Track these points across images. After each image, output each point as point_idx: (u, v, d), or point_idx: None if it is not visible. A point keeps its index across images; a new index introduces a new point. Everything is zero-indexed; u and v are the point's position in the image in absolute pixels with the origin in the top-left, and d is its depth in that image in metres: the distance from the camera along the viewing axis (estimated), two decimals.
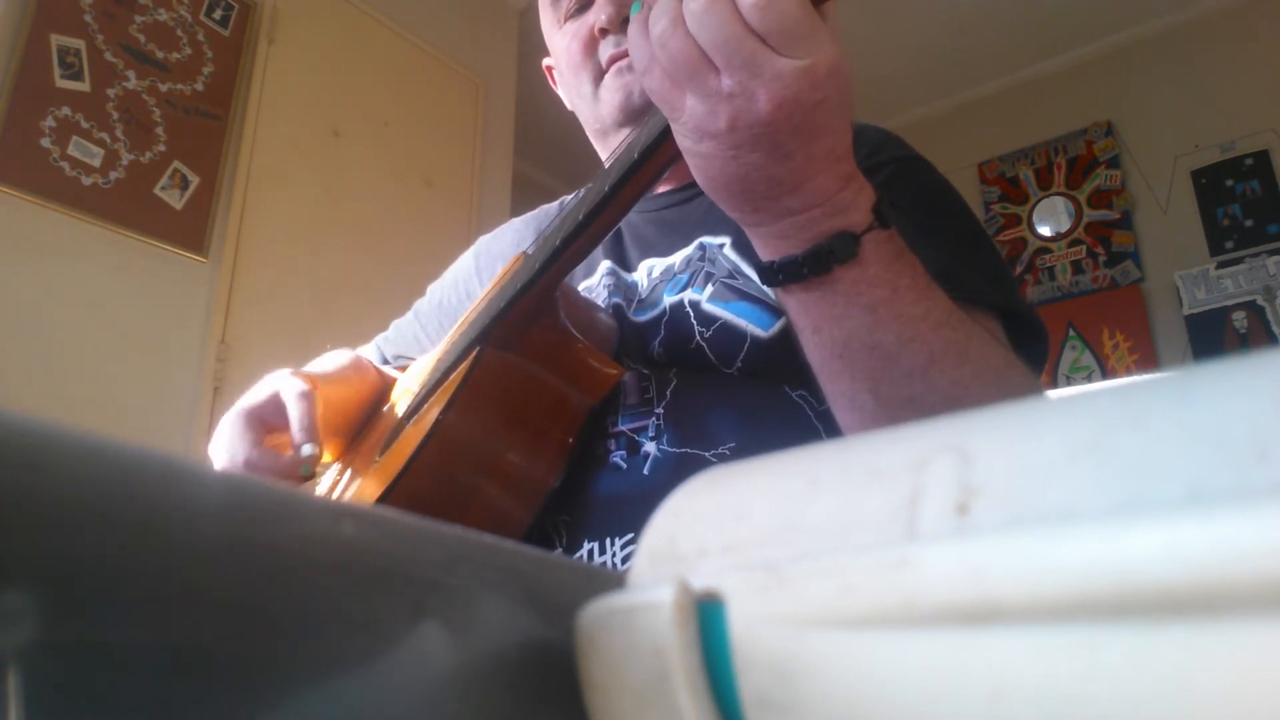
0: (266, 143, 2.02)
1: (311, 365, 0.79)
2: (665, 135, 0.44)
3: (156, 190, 1.80)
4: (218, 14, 1.99)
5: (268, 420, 0.67)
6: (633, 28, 0.41)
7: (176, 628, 0.16)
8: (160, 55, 1.86)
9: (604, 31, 0.68)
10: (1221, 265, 2.84)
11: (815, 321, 0.46)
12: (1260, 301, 2.74)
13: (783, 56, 0.36)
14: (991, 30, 3.14)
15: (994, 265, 0.60)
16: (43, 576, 0.15)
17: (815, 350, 0.47)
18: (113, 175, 1.73)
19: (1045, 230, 3.27)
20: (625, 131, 0.69)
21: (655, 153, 0.46)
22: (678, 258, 0.67)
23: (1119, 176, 3.14)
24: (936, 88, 3.53)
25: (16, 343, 1.54)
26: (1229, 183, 2.90)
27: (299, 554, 0.19)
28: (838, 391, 0.48)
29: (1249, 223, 2.84)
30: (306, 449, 0.64)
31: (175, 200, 1.82)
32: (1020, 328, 0.58)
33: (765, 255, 0.45)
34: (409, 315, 0.92)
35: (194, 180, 1.86)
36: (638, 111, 0.67)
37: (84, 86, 1.71)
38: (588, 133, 0.76)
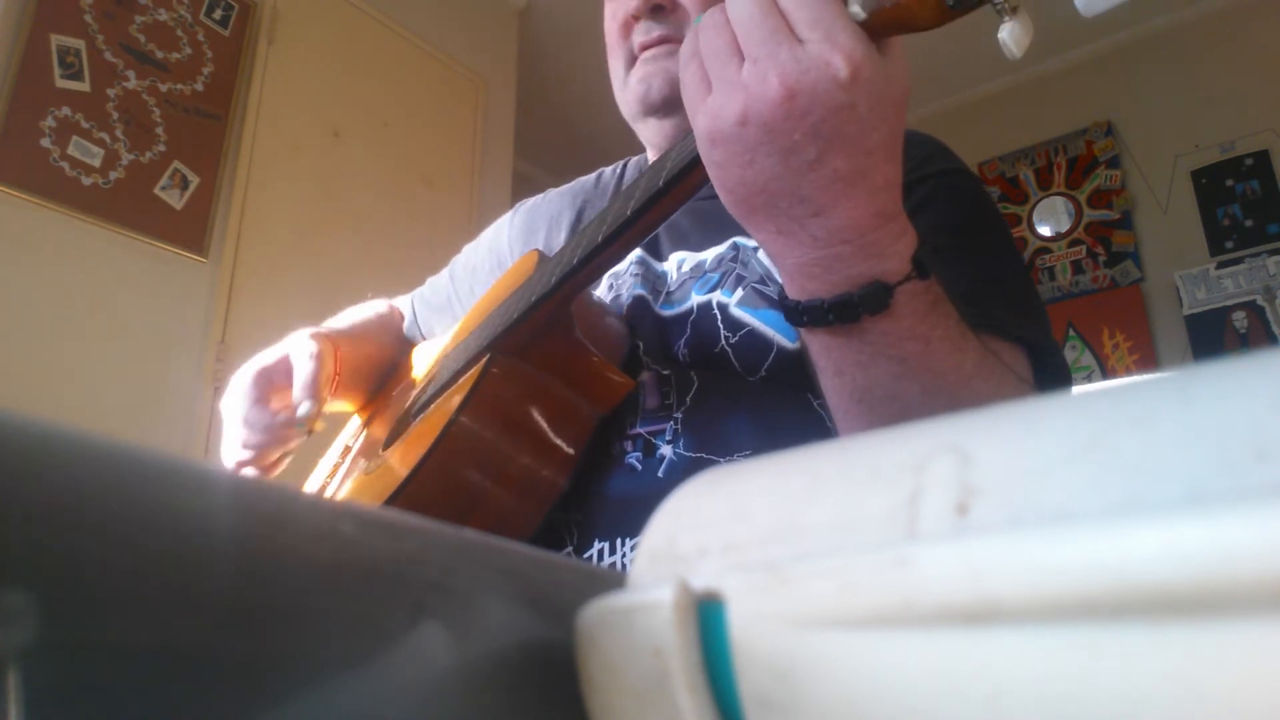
0: (266, 143, 2.02)
1: (341, 315, 0.86)
2: (694, 164, 0.43)
3: (156, 190, 1.80)
4: (218, 14, 1.99)
5: (275, 380, 0.73)
6: (689, 33, 0.41)
7: (176, 628, 0.16)
8: (160, 55, 1.86)
9: (635, 18, 0.67)
10: (1221, 265, 2.84)
11: (837, 365, 0.44)
12: (1260, 301, 2.74)
13: (805, 44, 0.35)
14: (992, 30, 3.13)
15: (1026, 297, 0.58)
16: (43, 576, 0.15)
17: (834, 392, 0.45)
18: (113, 175, 1.72)
19: (1045, 230, 3.26)
20: (651, 121, 0.69)
21: (682, 181, 0.45)
22: (710, 254, 0.66)
23: (1119, 176, 3.14)
24: (936, 88, 3.53)
25: (16, 343, 1.54)
26: (1229, 183, 2.90)
27: (299, 554, 0.19)
28: (851, 431, 0.46)
29: (1249, 223, 2.84)
30: (303, 408, 0.70)
31: (175, 200, 1.82)
32: (1044, 363, 0.55)
33: (790, 292, 0.42)
34: (444, 274, 0.93)
35: (194, 180, 1.86)
36: (656, 105, 0.67)
37: (84, 86, 1.71)
38: (624, 116, 0.75)
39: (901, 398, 0.42)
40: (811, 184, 0.37)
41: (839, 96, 0.35)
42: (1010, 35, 0.35)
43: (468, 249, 0.91)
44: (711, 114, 0.38)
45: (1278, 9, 2.88)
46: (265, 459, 0.73)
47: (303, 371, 0.71)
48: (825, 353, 0.44)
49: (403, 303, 0.96)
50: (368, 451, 0.74)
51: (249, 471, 0.74)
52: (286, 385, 0.72)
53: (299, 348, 0.73)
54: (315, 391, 0.70)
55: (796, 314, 0.42)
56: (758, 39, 0.36)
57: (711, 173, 0.40)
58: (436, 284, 0.93)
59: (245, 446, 0.71)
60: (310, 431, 0.71)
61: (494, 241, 0.87)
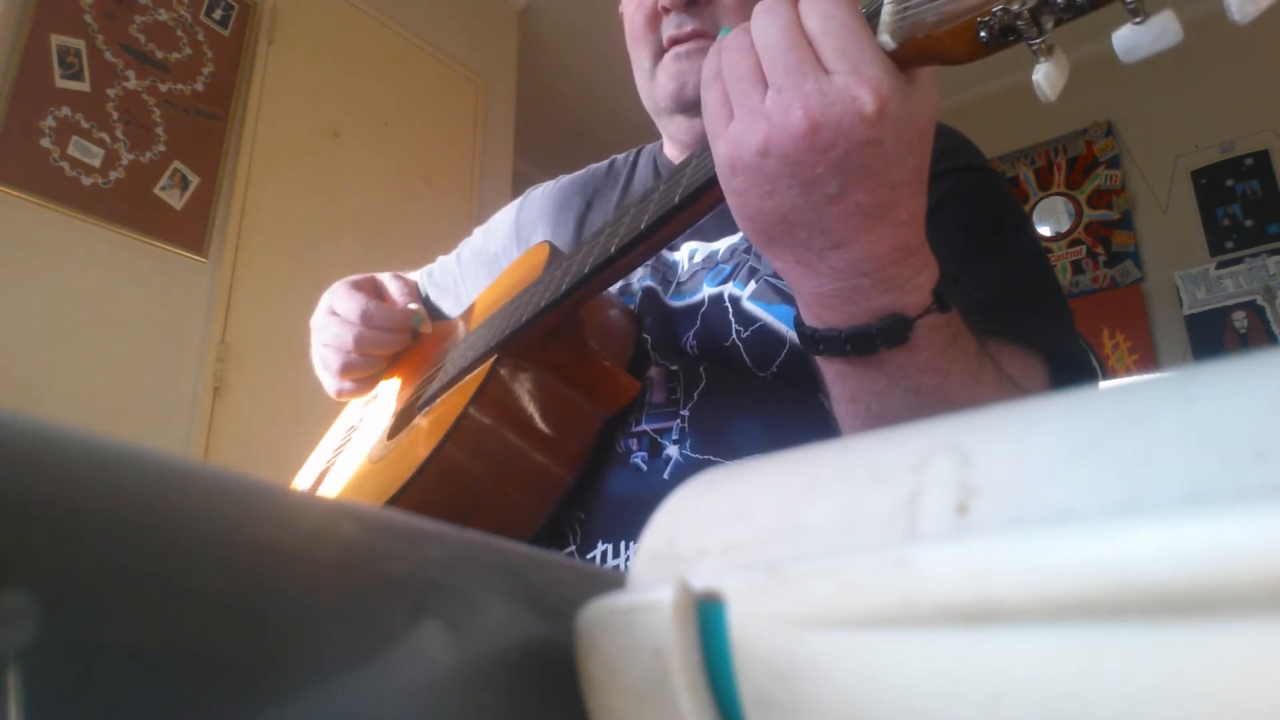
0: (266, 143, 2.02)
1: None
2: (710, 183, 0.43)
3: (156, 190, 1.80)
4: (218, 14, 1.99)
5: (368, 295, 0.77)
6: (713, 51, 0.40)
7: (176, 628, 0.16)
8: (160, 55, 1.86)
9: (666, 9, 0.65)
10: (1221, 265, 2.84)
11: (852, 394, 0.43)
12: (1260, 301, 2.74)
13: (831, 75, 0.34)
14: None
15: (1049, 300, 0.57)
16: (43, 576, 0.15)
17: (847, 418, 0.45)
18: (113, 175, 1.72)
19: (1045, 230, 3.27)
20: (679, 118, 0.68)
21: (698, 199, 0.45)
22: (722, 245, 0.65)
23: (1119, 176, 3.14)
24: (937, 88, 3.53)
25: (16, 343, 1.54)
26: (1229, 183, 2.90)
27: (299, 554, 0.19)
28: None
29: (1249, 223, 2.84)
30: (413, 305, 0.76)
31: (175, 200, 1.82)
32: (1065, 367, 0.54)
33: (807, 320, 0.42)
34: (453, 257, 0.93)
35: (194, 180, 1.86)
36: (690, 103, 0.65)
37: (84, 86, 1.71)
38: (645, 106, 0.73)
39: None
40: (833, 217, 0.36)
41: (864, 131, 0.34)
42: (1045, 77, 0.34)
43: (478, 232, 0.91)
44: (733, 142, 0.37)
45: (1278, 9, 2.88)
46: (374, 361, 0.77)
47: (395, 285, 0.79)
48: (840, 380, 0.43)
49: (417, 276, 0.97)
50: (372, 436, 0.74)
51: (352, 377, 0.77)
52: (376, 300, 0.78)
53: (380, 275, 0.80)
54: (417, 298, 0.77)
55: (813, 342, 0.41)
56: (782, 68, 0.35)
57: (730, 199, 0.39)
58: (446, 265, 0.94)
59: (359, 344, 0.74)
60: (417, 334, 0.77)
61: (502, 228, 0.86)
